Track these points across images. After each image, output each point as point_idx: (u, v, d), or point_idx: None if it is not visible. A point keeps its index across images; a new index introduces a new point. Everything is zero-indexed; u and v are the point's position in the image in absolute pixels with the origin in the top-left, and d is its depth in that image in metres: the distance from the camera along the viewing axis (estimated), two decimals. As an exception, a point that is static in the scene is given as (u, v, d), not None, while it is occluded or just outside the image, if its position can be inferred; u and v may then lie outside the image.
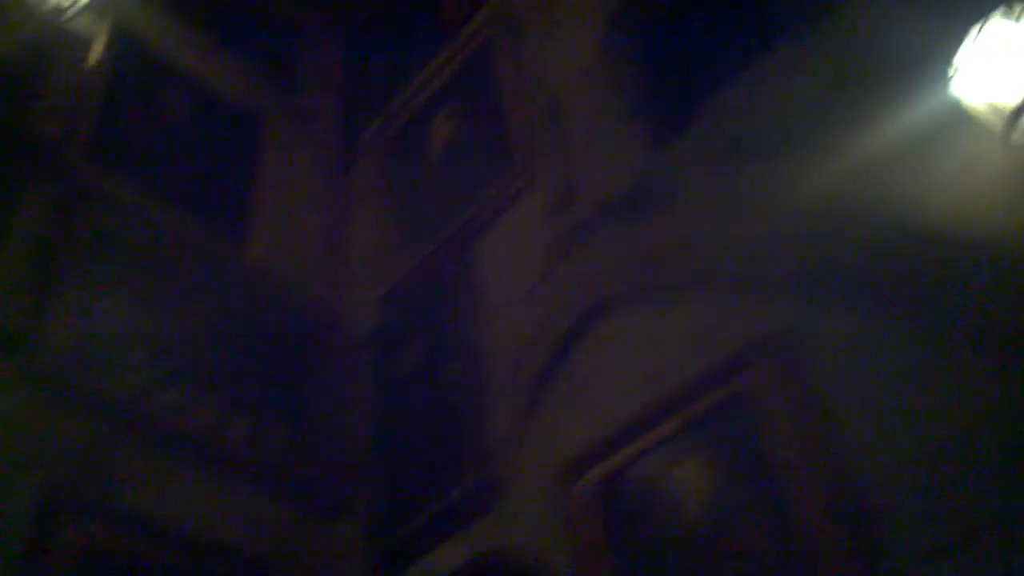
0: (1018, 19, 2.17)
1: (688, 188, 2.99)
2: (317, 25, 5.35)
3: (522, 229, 3.61)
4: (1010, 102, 2.16)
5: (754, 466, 2.55)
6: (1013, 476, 2.10)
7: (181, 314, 3.69)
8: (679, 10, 3.50)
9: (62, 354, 3.27)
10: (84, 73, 3.94)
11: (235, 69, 4.71)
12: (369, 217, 4.47)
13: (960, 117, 2.31)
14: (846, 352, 2.49)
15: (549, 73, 3.77)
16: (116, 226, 3.65)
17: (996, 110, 2.19)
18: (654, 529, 2.73)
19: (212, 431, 3.53)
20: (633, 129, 3.32)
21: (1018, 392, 2.15)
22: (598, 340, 3.14)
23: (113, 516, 3.16)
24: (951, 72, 2.27)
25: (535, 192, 3.62)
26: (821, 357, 2.53)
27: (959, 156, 2.37)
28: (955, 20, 2.29)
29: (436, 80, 4.48)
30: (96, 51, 4.02)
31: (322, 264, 4.40)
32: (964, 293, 2.28)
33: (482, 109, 4.13)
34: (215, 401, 3.60)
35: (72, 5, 3.80)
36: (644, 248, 3.11)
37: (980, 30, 2.20)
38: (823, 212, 2.58)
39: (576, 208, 3.37)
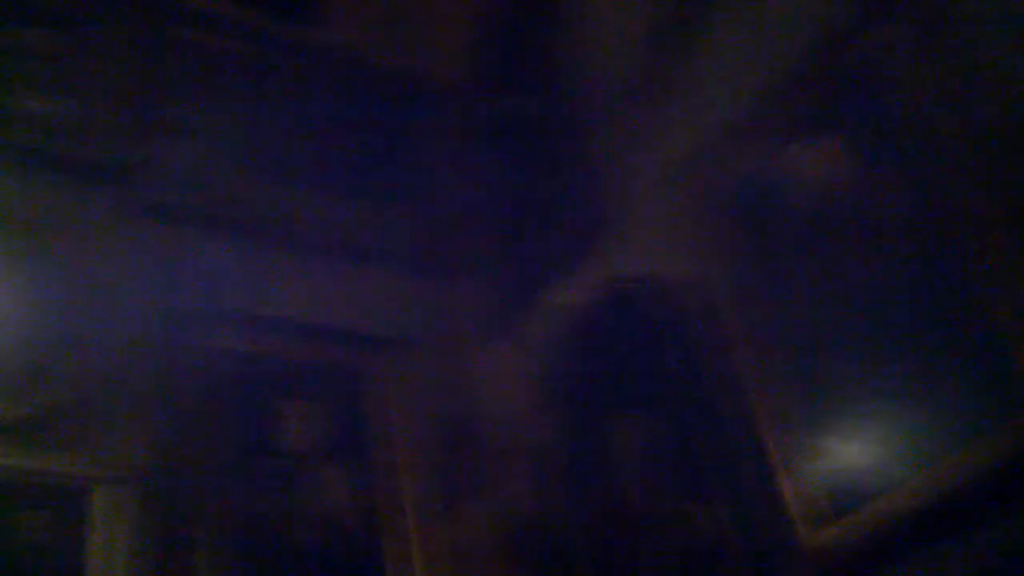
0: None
1: None
2: None
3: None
4: None
5: (885, 136, 2.45)
6: None
7: (268, 108, 3.69)
8: None
9: (173, 179, 3.34)
10: None
11: None
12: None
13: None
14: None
15: None
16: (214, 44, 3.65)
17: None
18: (775, 226, 2.69)
19: (309, 215, 3.57)
20: None
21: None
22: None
23: (230, 320, 3.27)
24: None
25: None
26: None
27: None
28: None
29: None
30: None
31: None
32: None
33: None
34: (308, 184, 3.64)
35: None
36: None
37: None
38: None
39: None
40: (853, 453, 2.42)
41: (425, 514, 3.19)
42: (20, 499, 2.66)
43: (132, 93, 3.37)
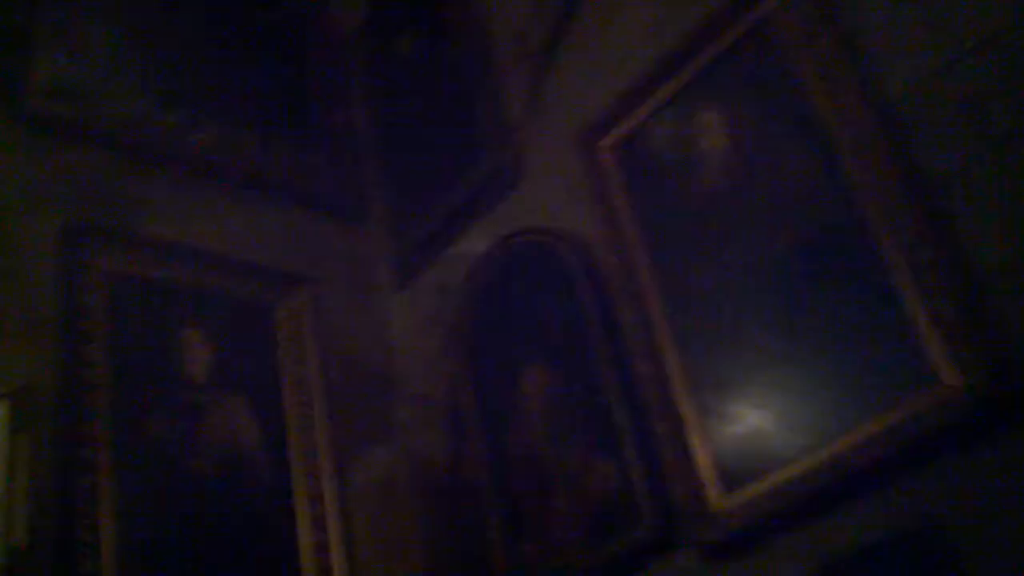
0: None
1: None
2: None
3: None
4: None
5: (780, 103, 2.55)
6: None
7: (171, 35, 3.60)
8: None
9: (53, 90, 3.19)
10: None
11: None
12: None
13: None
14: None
15: None
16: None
17: None
18: (679, 189, 2.76)
19: (220, 150, 3.51)
20: None
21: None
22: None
23: (136, 243, 3.18)
24: None
25: None
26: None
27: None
28: None
29: None
30: None
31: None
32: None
33: None
34: (218, 119, 3.56)
35: None
36: None
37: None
38: None
39: None
40: (761, 419, 2.47)
41: (336, 454, 3.17)
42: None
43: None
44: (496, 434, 3.07)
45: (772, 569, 2.35)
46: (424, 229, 3.53)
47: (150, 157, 3.34)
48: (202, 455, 2.98)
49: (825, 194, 2.41)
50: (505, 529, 2.96)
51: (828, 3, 2.49)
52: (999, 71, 2.18)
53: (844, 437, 2.26)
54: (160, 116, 3.41)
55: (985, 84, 2.19)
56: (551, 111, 3.20)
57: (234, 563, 2.85)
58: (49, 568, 2.56)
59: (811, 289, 2.41)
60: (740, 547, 2.42)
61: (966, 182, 2.18)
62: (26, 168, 3.06)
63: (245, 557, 2.88)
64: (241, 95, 3.70)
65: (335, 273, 3.57)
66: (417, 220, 3.57)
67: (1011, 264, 2.09)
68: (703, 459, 2.54)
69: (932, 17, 2.31)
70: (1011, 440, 2.01)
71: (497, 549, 2.95)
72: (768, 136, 2.58)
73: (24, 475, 2.61)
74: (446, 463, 3.22)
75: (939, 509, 2.08)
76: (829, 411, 2.31)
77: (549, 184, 3.15)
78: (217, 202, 3.41)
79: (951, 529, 2.05)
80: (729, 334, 2.56)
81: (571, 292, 2.91)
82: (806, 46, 2.51)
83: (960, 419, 2.07)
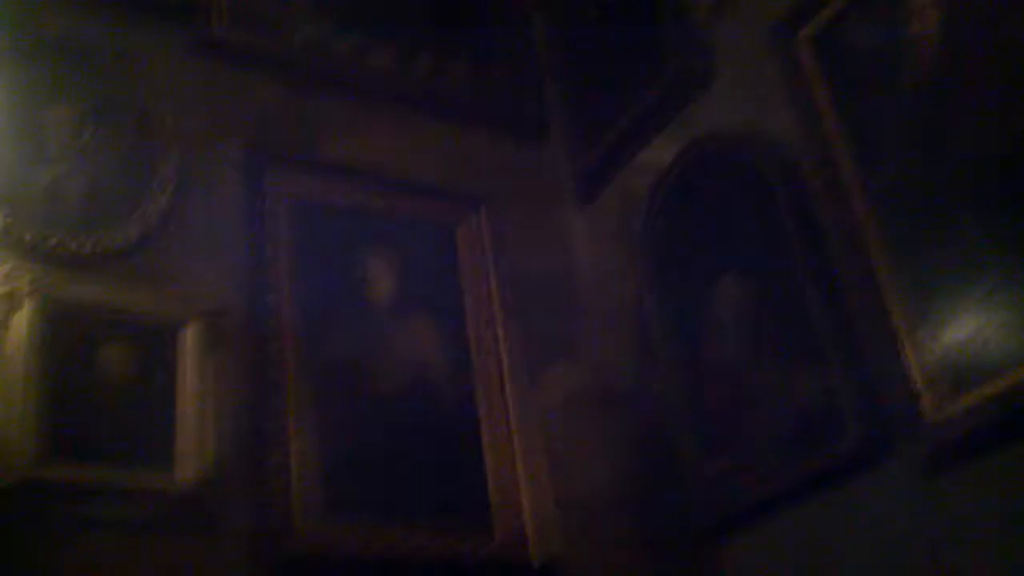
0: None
1: None
2: None
3: None
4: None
5: None
6: None
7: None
8: None
9: (234, 17, 3.23)
10: None
11: None
12: None
13: None
14: None
15: None
16: None
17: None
18: (886, 80, 2.54)
19: (397, 72, 3.49)
20: None
21: None
22: None
23: (317, 168, 3.19)
24: None
25: None
26: None
27: None
28: None
29: None
30: None
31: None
32: None
33: None
34: (394, 41, 3.52)
35: None
36: None
37: None
38: None
39: None
40: (979, 323, 2.27)
41: (521, 373, 3.11)
42: (108, 335, 2.61)
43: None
44: (686, 348, 2.95)
45: (991, 483, 2.18)
46: (606, 142, 3.40)
47: (328, 81, 3.33)
48: (389, 377, 2.97)
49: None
50: (697, 444, 2.87)
51: None
52: None
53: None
54: (336, 40, 3.40)
55: None
56: (741, 5, 3.01)
57: (422, 484, 2.84)
58: (241, 489, 2.59)
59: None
60: (956, 460, 2.25)
61: None
62: (208, 95, 3.10)
63: (433, 478, 2.86)
64: (416, 16, 3.65)
65: (515, 192, 3.50)
66: (599, 133, 3.44)
67: None
68: (915, 367, 2.35)
69: None
70: None
71: (688, 465, 2.86)
72: (988, 14, 2.33)
73: (215, 398, 2.66)
74: (634, 379, 3.14)
75: None
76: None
77: (741, 84, 2.97)
78: (396, 124, 3.39)
79: None
80: (944, 235, 2.35)
81: (768, 196, 2.74)
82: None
83: None
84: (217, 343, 2.73)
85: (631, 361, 3.17)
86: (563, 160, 3.62)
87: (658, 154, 3.19)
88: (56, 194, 2.75)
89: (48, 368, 2.47)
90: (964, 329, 2.29)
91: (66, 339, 2.54)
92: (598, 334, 3.31)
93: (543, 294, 3.33)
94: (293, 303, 2.92)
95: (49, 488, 2.37)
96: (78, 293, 2.61)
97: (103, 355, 2.59)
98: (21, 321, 2.49)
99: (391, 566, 2.68)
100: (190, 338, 2.69)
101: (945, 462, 2.27)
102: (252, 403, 2.71)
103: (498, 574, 2.82)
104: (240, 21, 3.24)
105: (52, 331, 2.52)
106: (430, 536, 2.76)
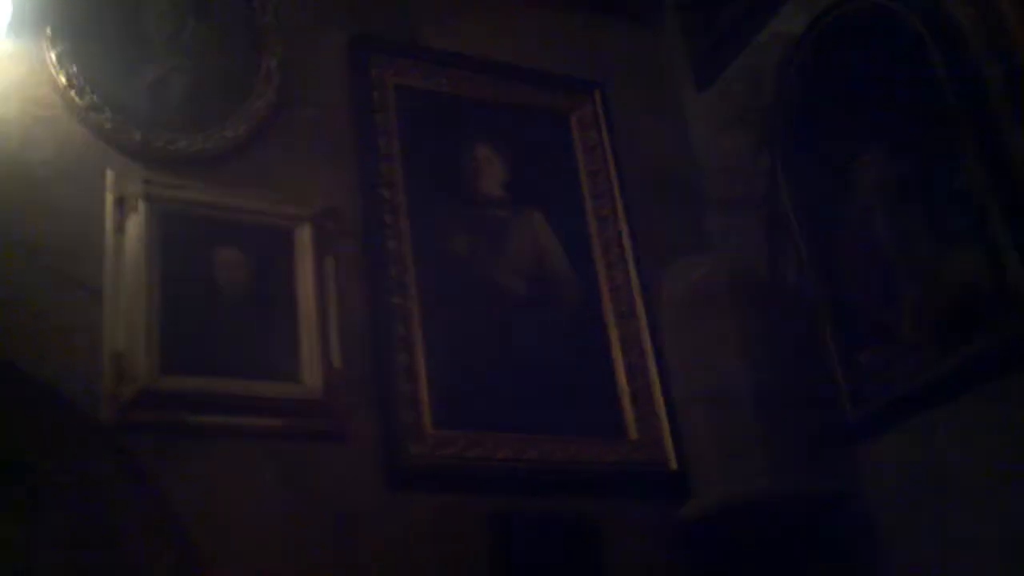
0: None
1: None
2: None
3: None
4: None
5: None
6: None
7: None
8: None
9: None
10: None
11: None
12: None
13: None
14: None
15: None
16: None
17: None
18: None
19: None
20: None
21: None
22: None
23: (424, 57, 3.07)
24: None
25: None
26: None
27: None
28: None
29: None
30: None
31: None
32: None
33: None
34: None
35: None
36: None
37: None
38: None
39: None
40: None
41: (644, 266, 2.97)
42: (224, 236, 2.52)
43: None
44: (824, 234, 2.78)
45: None
46: (727, 19, 3.19)
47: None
48: (509, 272, 2.86)
49: None
50: (839, 337, 2.70)
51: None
52: None
53: None
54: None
55: None
56: None
57: (550, 388, 2.72)
58: (366, 389, 2.51)
59: None
60: None
61: None
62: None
63: (560, 380, 2.74)
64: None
65: (630, 76, 3.33)
66: (718, 10, 3.23)
67: None
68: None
69: None
70: None
71: (831, 358, 2.70)
72: None
73: (334, 298, 2.57)
74: (767, 270, 2.96)
75: None
76: None
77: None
78: (505, 10, 3.24)
79: None
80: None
81: (918, 58, 2.51)
82: None
83: None
84: (333, 242, 2.63)
85: (764, 250, 2.99)
86: (679, 42, 3.41)
87: (787, 24, 2.97)
88: (160, 93, 2.64)
89: (167, 272, 2.39)
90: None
91: (182, 242, 2.45)
92: (726, 223, 3.13)
93: (665, 182, 3.17)
94: (408, 196, 2.80)
95: (172, 398, 2.30)
96: (190, 193, 2.52)
97: (220, 257, 2.50)
98: (137, 224, 2.40)
99: (519, 472, 2.57)
100: (306, 237, 2.59)
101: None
102: (374, 303, 2.61)
103: (633, 478, 2.70)
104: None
105: (167, 234, 2.43)
106: (560, 441, 2.65)
